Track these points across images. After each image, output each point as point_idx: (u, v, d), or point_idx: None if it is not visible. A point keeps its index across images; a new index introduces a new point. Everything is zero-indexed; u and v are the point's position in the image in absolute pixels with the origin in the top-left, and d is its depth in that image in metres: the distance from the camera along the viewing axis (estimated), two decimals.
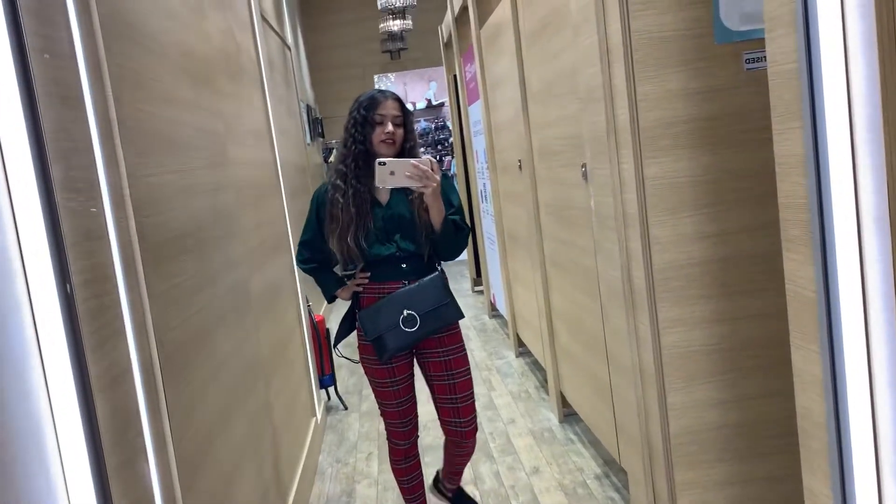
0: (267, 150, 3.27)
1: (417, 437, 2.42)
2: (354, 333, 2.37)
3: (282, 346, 2.96)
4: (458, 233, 2.25)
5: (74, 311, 1.05)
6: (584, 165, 2.47)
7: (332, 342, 2.46)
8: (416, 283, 2.21)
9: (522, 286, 4.13)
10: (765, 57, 1.48)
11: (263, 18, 4.61)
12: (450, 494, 2.66)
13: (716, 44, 1.96)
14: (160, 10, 1.83)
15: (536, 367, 4.28)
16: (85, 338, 1.09)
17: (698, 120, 1.98)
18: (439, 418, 2.38)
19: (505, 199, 4.38)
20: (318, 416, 3.63)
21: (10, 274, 0.98)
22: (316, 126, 8.04)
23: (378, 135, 2.20)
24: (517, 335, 4.54)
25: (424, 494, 2.50)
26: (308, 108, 7.44)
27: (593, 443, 3.11)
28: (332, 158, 8.63)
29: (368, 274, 2.28)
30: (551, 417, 3.49)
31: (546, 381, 3.79)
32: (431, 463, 3.00)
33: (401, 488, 2.47)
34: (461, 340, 2.34)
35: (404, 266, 2.25)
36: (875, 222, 1.10)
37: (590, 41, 2.18)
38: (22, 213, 1.00)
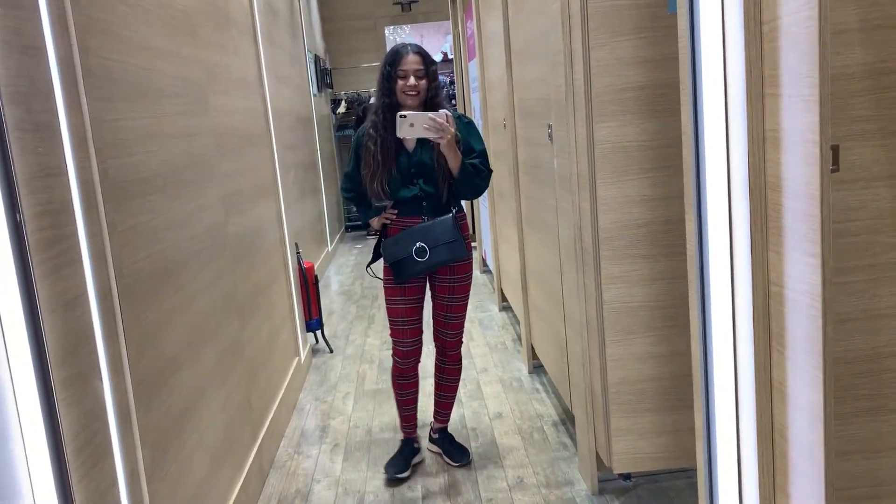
0: (256, 99, 3.38)
1: (418, 362, 2.69)
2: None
3: (263, 288, 3.12)
4: (478, 175, 2.49)
5: (24, 238, 1.19)
6: (549, 126, 2.57)
7: (367, 264, 2.81)
8: (431, 221, 2.49)
9: (506, 243, 4.25)
10: None
11: None
12: (436, 435, 2.85)
13: (668, 13, 2.04)
14: None
15: (516, 321, 4.42)
16: (36, 263, 1.23)
17: (648, 87, 2.07)
18: (433, 330, 2.72)
19: (495, 157, 4.47)
20: (302, 356, 3.81)
21: None
22: (324, 77, 8.09)
23: (401, 87, 2.41)
24: (501, 290, 4.68)
25: (415, 412, 2.80)
26: (317, 58, 7.50)
27: (556, 394, 3.26)
28: (340, 110, 8.71)
29: (396, 211, 2.56)
30: (522, 368, 3.65)
31: None
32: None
33: (396, 401, 2.78)
34: (469, 271, 2.64)
35: (424, 205, 2.53)
36: (742, 194, 1.21)
37: (555, 6, 2.26)
38: None
